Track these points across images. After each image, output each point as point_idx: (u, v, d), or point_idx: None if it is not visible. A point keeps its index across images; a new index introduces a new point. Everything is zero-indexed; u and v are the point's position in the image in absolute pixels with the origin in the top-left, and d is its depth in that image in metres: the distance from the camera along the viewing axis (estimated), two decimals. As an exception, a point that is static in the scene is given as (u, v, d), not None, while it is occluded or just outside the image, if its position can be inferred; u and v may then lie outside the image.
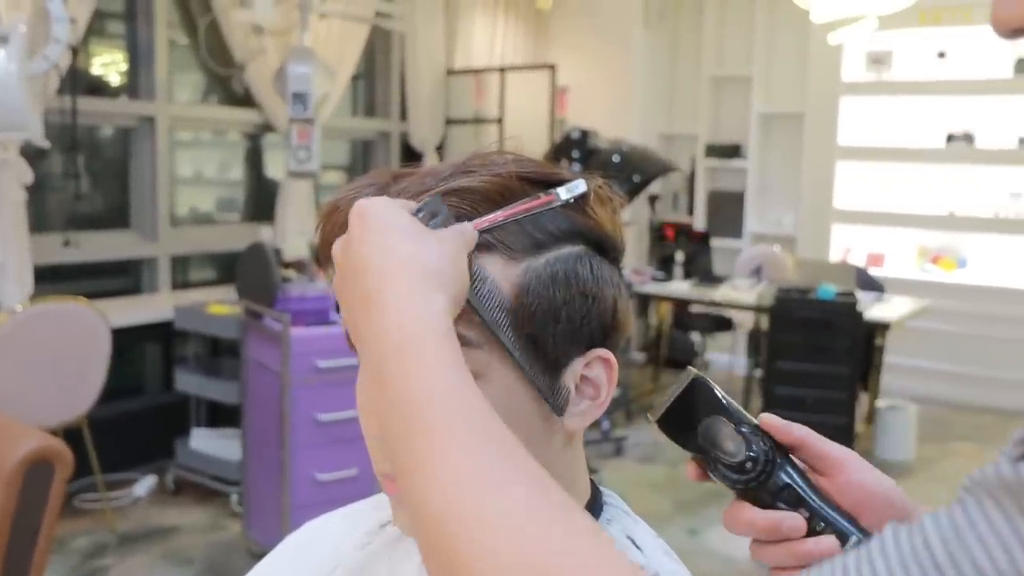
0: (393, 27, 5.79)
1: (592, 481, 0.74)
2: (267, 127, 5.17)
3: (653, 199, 6.60)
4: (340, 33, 5.28)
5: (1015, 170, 6.00)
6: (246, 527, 3.60)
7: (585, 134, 5.13)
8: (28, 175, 3.70)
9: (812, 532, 0.56)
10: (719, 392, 0.59)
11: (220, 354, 4.55)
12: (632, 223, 6.58)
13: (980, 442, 5.23)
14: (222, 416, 4.34)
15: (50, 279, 4.09)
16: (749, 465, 0.57)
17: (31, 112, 3.33)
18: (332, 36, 5.21)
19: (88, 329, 3.45)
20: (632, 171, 5.01)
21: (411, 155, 6.16)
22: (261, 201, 5.35)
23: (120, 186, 4.67)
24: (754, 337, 5.51)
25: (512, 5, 6.56)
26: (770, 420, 0.59)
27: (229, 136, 5.38)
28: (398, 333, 0.51)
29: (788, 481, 0.57)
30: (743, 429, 0.58)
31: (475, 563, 0.44)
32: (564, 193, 0.65)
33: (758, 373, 5.29)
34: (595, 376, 0.66)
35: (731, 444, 0.57)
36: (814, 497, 0.57)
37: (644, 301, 5.95)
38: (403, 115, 6.15)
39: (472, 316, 0.61)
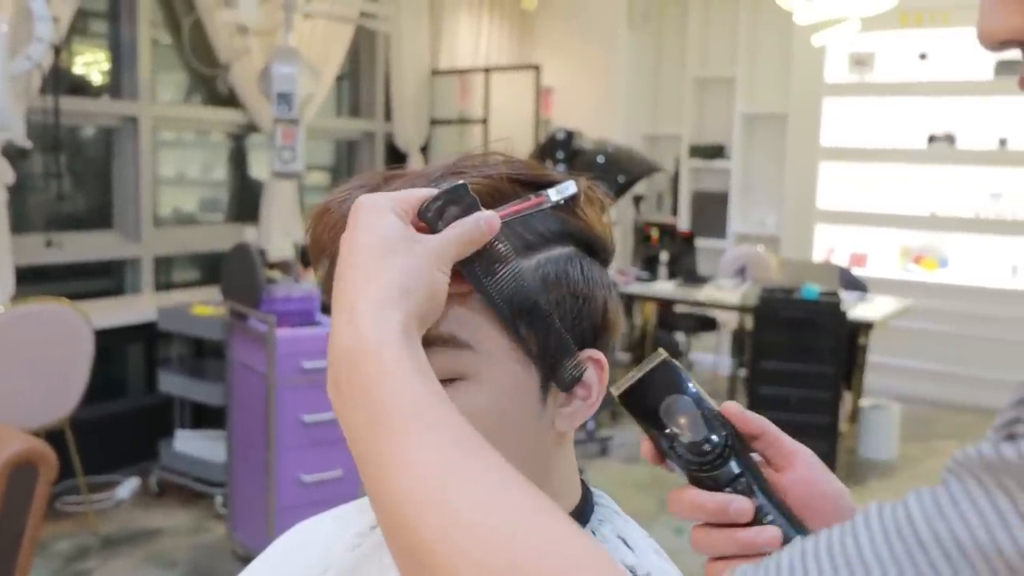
0: (378, 27, 5.78)
1: (583, 481, 0.74)
2: (251, 127, 5.15)
3: (638, 200, 6.61)
4: (325, 33, 5.27)
5: (995, 171, 6.04)
6: (231, 529, 3.58)
7: (570, 135, 5.13)
8: (10, 175, 3.68)
9: (756, 522, 0.56)
10: (686, 375, 0.59)
11: (204, 355, 4.53)
12: (617, 223, 6.60)
13: (963, 440, 5.23)
14: (206, 418, 4.32)
15: (32, 280, 4.07)
16: (707, 448, 0.57)
17: (13, 112, 3.31)
18: (317, 36, 5.20)
19: (71, 330, 3.43)
20: (617, 172, 5.02)
21: (396, 156, 6.15)
22: (245, 201, 5.33)
23: (103, 186, 4.65)
24: (738, 337, 5.53)
25: (497, 6, 6.56)
26: (732, 408, 0.59)
27: (212, 136, 5.36)
28: (356, 338, 0.52)
29: (741, 471, 0.57)
30: (705, 412, 0.58)
31: (443, 561, 0.45)
32: (554, 195, 0.65)
33: (742, 373, 5.31)
34: (586, 377, 0.66)
35: (692, 425, 0.57)
36: (764, 491, 0.57)
37: (629, 301, 5.96)
38: (388, 115, 6.15)
39: (463, 317, 0.61)
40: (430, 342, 0.59)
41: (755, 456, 0.60)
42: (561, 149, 5.06)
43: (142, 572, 3.41)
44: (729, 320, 5.87)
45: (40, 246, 4.07)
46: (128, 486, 4.06)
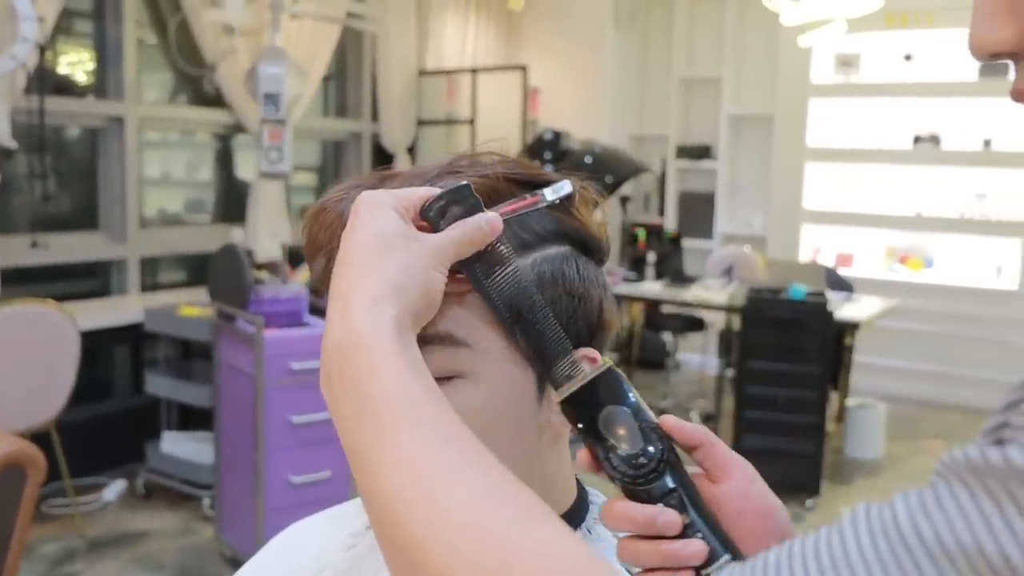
0: (364, 27, 5.77)
1: (578, 480, 0.74)
2: (238, 128, 5.13)
3: (624, 200, 6.62)
4: (311, 33, 5.26)
5: (980, 171, 6.08)
6: (219, 531, 3.57)
7: (558, 135, 5.14)
8: (-6, 176, 3.65)
9: (684, 537, 0.56)
10: (628, 385, 0.59)
11: (191, 356, 4.51)
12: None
13: (948, 439, 5.30)
14: (193, 419, 4.30)
15: (17, 281, 4.04)
16: (642, 461, 0.56)
17: (-2, 112, 3.29)
18: (303, 36, 5.19)
19: (56, 332, 3.41)
20: (605, 172, 5.03)
21: (383, 156, 6.14)
22: (231, 202, 5.31)
23: (88, 187, 4.62)
24: (725, 337, 5.54)
25: (484, 6, 6.56)
26: (670, 421, 0.59)
27: (198, 136, 5.34)
28: (348, 331, 0.52)
29: (675, 486, 0.57)
30: (643, 425, 0.57)
31: (434, 559, 0.45)
32: (550, 194, 0.65)
33: (729, 373, 5.32)
34: (582, 376, 0.66)
35: (629, 437, 0.57)
36: (696, 506, 0.57)
37: (615, 302, 5.97)
38: (374, 116, 6.14)
39: (461, 316, 0.61)
40: (427, 340, 0.59)
41: (693, 469, 0.60)
42: (549, 150, 5.07)
43: (129, 575, 3.39)
44: (716, 320, 5.89)
45: (25, 247, 4.05)
46: (115, 488, 4.04)
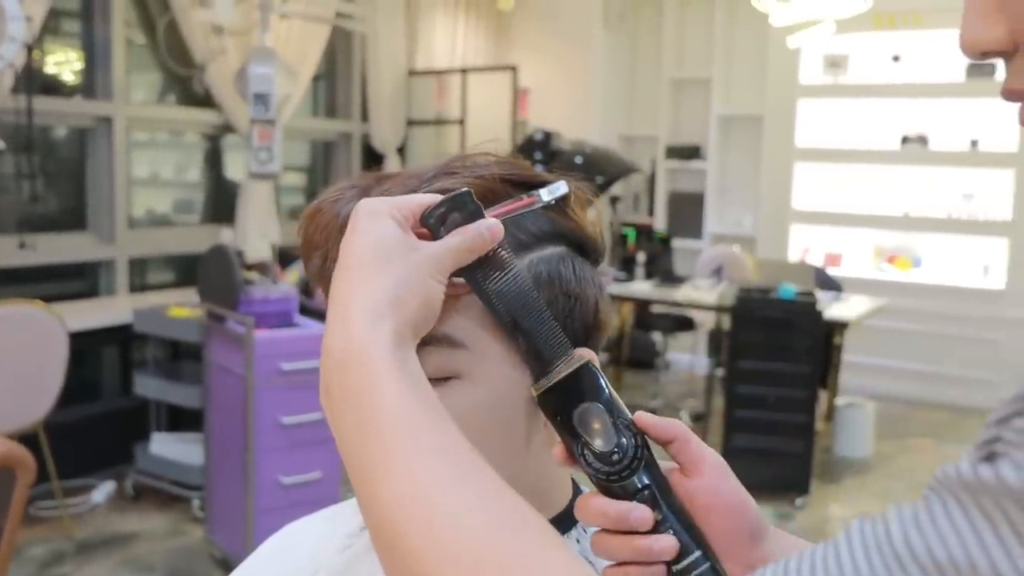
0: (354, 28, 5.76)
1: (573, 481, 0.74)
2: (227, 128, 5.12)
3: (614, 200, 6.63)
4: (301, 33, 5.25)
5: (967, 172, 6.12)
6: (208, 532, 3.56)
7: (548, 136, 5.14)
8: (-18, 176, 3.63)
9: (657, 532, 0.57)
10: (604, 382, 0.59)
11: (180, 357, 4.50)
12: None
13: (936, 438, 5.32)
14: (182, 420, 4.29)
15: (5, 282, 4.02)
16: (616, 457, 0.57)
17: (-15, 112, 3.27)
18: (293, 36, 5.18)
19: (45, 333, 3.39)
20: (595, 173, 5.03)
21: (372, 156, 6.13)
22: (221, 202, 5.30)
23: (76, 187, 4.60)
24: (715, 337, 5.56)
25: (473, 6, 6.56)
26: (645, 418, 0.59)
27: (187, 137, 5.32)
28: (347, 345, 0.52)
29: (648, 483, 0.57)
30: (618, 421, 0.58)
31: (432, 570, 0.46)
32: (546, 195, 0.65)
33: (719, 372, 5.33)
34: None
35: (604, 433, 0.57)
36: (668, 503, 0.58)
37: (610, 301, 5.98)
38: (364, 116, 6.13)
39: (458, 318, 0.61)
40: (425, 341, 0.59)
41: (668, 464, 0.60)
42: (539, 150, 5.07)
43: (118, 576, 3.38)
44: (706, 320, 5.90)
45: (13, 247, 4.02)
46: (103, 490, 4.02)
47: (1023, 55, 0.42)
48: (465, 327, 0.62)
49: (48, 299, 3.64)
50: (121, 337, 4.33)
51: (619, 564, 0.58)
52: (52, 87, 4.52)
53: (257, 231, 4.85)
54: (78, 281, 4.65)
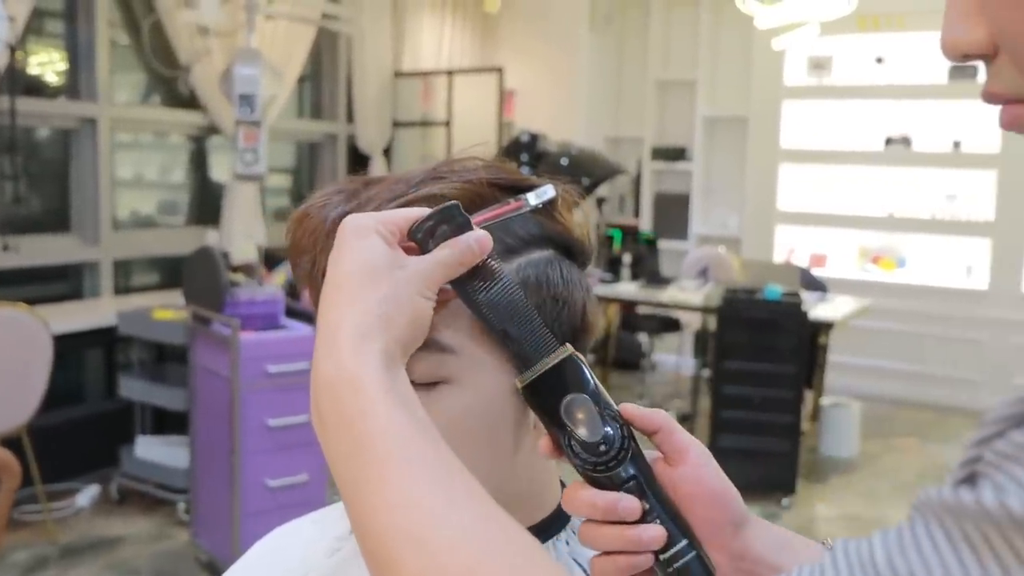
0: (340, 29, 5.75)
1: (562, 483, 0.74)
2: (212, 129, 5.10)
3: (600, 201, 6.64)
4: (287, 34, 5.23)
5: (951, 173, 6.15)
6: (194, 535, 3.54)
7: (534, 137, 5.14)
8: (-35, 178, 3.61)
9: (644, 522, 0.58)
10: (589, 373, 0.59)
11: (165, 360, 4.48)
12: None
13: (920, 437, 5.36)
14: (168, 423, 4.27)
15: (-12, 284, 3.99)
16: (603, 448, 0.58)
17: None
18: (279, 37, 5.16)
19: (28, 335, 3.37)
20: (581, 174, 5.04)
21: (358, 158, 6.12)
22: (206, 204, 5.28)
23: (60, 188, 4.57)
24: (701, 338, 5.57)
25: (459, 8, 6.56)
26: (630, 409, 0.60)
27: (172, 138, 5.30)
28: (337, 369, 0.52)
29: (635, 473, 0.58)
30: (604, 413, 0.58)
31: None
32: (533, 199, 0.65)
33: (705, 373, 5.35)
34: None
35: (590, 424, 0.58)
36: (655, 493, 0.58)
37: (597, 303, 5.99)
38: (350, 117, 6.11)
39: (447, 323, 0.61)
40: None
41: (652, 453, 0.61)
42: (526, 151, 5.08)
43: (103, 580, 3.36)
44: (692, 321, 5.92)
45: (-4, 250, 4.00)
46: (88, 494, 4.00)
47: (1003, 58, 0.42)
48: (455, 333, 0.62)
49: (32, 301, 3.62)
50: (106, 339, 4.31)
51: (606, 553, 0.58)
52: (35, 88, 4.49)
53: (242, 233, 4.83)
54: (62, 283, 4.62)
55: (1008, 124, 0.44)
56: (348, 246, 0.55)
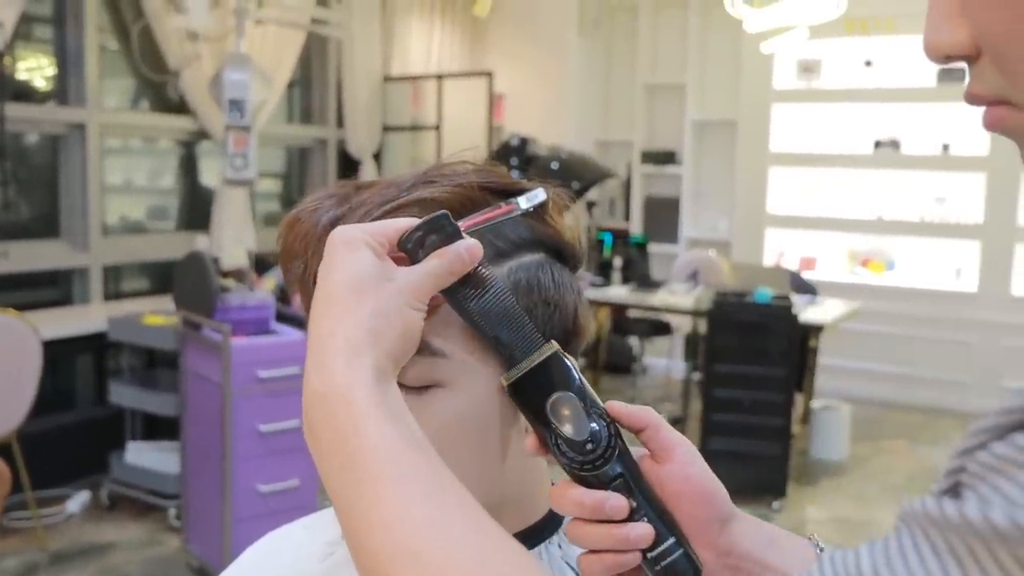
0: (329, 33, 5.75)
1: (553, 486, 0.75)
2: (202, 134, 5.09)
3: (590, 205, 6.65)
4: (276, 39, 5.23)
5: (939, 175, 6.18)
6: (185, 541, 3.53)
7: (524, 141, 5.15)
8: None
9: (631, 520, 0.58)
10: (575, 371, 0.59)
11: (156, 365, 4.46)
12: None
13: (910, 439, 5.37)
14: (158, 429, 4.25)
15: (-23, 291, 3.97)
16: (590, 447, 0.58)
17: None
18: (268, 42, 5.16)
19: (18, 341, 3.36)
20: (571, 178, 5.05)
21: (348, 163, 6.11)
22: (196, 209, 5.26)
23: (49, 194, 4.56)
24: (691, 341, 5.58)
25: (449, 12, 6.57)
26: (616, 406, 0.60)
27: (161, 143, 5.28)
28: (327, 385, 0.52)
29: (622, 471, 0.58)
30: (591, 411, 0.58)
31: None
32: (524, 202, 0.65)
33: (695, 376, 5.36)
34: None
35: (577, 423, 0.58)
36: (642, 491, 0.59)
37: (589, 307, 5.99)
38: (340, 122, 6.11)
39: (439, 327, 0.61)
40: None
41: (639, 450, 0.61)
42: (515, 155, 5.08)
43: (94, 587, 3.35)
44: (682, 324, 5.93)
45: (-15, 256, 3.98)
46: (78, 500, 3.98)
47: (985, 59, 0.43)
48: (445, 336, 0.62)
49: (21, 307, 3.60)
50: (96, 345, 4.30)
51: (594, 551, 0.59)
52: (24, 93, 4.48)
53: (233, 238, 4.82)
54: (52, 289, 4.61)
55: (991, 125, 0.44)
56: (337, 259, 0.55)
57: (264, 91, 4.57)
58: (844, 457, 4.99)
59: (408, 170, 0.69)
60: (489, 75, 6.13)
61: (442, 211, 0.59)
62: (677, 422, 5.29)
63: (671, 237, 6.82)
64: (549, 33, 6.68)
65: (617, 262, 5.96)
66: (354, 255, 0.55)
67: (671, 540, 0.58)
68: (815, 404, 5.08)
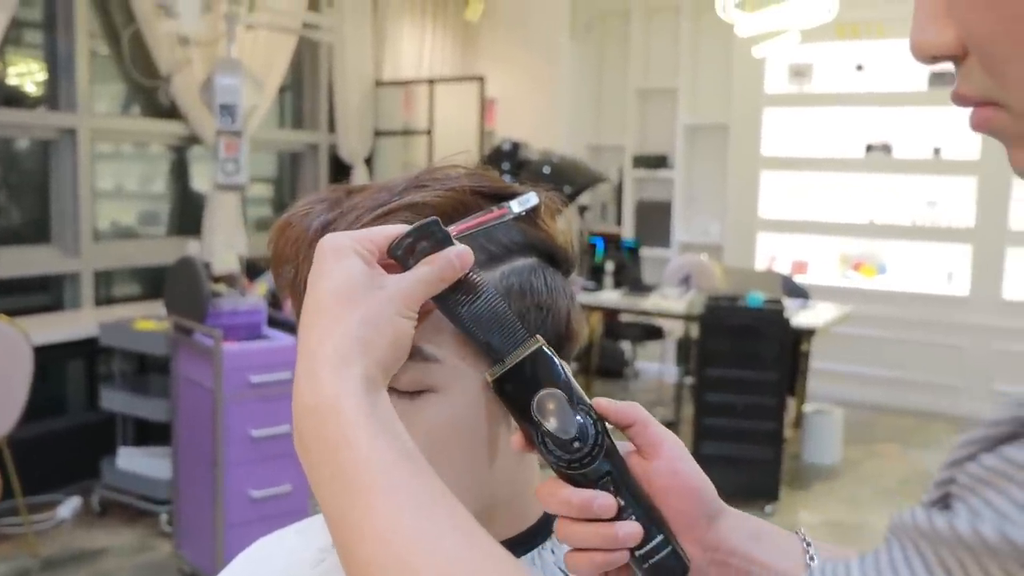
0: (321, 38, 5.75)
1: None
2: (193, 139, 5.08)
3: (582, 210, 6.65)
4: (267, 44, 5.22)
5: (931, 179, 6.20)
6: (177, 546, 3.52)
7: (516, 146, 5.15)
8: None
9: (619, 519, 0.58)
10: (560, 364, 0.59)
11: (147, 371, 4.45)
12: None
13: (902, 443, 5.38)
14: (150, 434, 4.24)
15: (-33, 296, 3.95)
16: (577, 444, 0.57)
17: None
18: (259, 47, 5.15)
19: (9, 347, 3.34)
20: (563, 183, 5.04)
21: (340, 167, 6.11)
22: (187, 214, 5.25)
23: (40, 199, 4.54)
24: (684, 345, 5.58)
25: (440, 16, 6.57)
26: (603, 403, 0.60)
27: (152, 148, 5.27)
28: (316, 396, 0.52)
29: (609, 469, 0.58)
30: (578, 408, 0.58)
31: None
32: (516, 206, 0.65)
33: (688, 381, 5.36)
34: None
35: (564, 420, 0.57)
36: (630, 488, 0.58)
37: (582, 311, 5.99)
38: (331, 127, 6.10)
39: (431, 333, 0.61)
40: None
41: (626, 445, 0.61)
42: (507, 160, 5.08)
43: (85, 594, 3.34)
44: (674, 329, 5.93)
45: (-25, 261, 3.97)
46: (69, 506, 3.96)
47: (972, 60, 0.42)
48: (439, 342, 0.62)
49: (12, 313, 3.59)
50: (87, 351, 4.28)
51: (582, 550, 0.58)
52: (14, 98, 4.46)
53: (224, 243, 4.81)
54: (42, 294, 4.59)
55: (978, 126, 0.44)
56: (327, 267, 0.55)
57: (255, 96, 4.56)
58: (836, 461, 5.00)
59: (400, 174, 0.69)
60: (481, 79, 6.14)
61: (432, 217, 0.58)
62: (669, 426, 5.23)
63: (663, 241, 6.83)
64: (541, 37, 6.68)
65: (609, 266, 5.97)
66: (343, 263, 0.54)
67: (659, 538, 0.58)
68: (807, 408, 5.09)
